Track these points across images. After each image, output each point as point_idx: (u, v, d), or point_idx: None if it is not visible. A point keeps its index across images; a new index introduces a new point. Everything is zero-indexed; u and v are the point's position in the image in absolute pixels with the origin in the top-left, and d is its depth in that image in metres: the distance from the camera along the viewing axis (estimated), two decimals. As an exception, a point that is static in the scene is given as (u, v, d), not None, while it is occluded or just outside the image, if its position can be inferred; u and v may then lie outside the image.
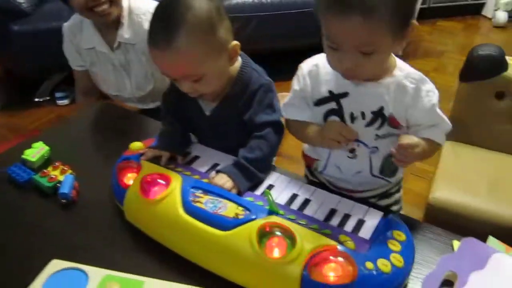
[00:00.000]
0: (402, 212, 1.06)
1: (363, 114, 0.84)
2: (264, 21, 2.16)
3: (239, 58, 0.96)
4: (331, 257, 0.67)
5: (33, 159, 1.01)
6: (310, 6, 2.14)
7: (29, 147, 1.04)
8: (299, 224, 0.73)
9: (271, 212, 0.75)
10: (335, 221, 0.77)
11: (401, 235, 0.73)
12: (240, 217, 0.73)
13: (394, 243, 0.71)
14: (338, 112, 0.86)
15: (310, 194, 0.84)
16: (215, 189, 0.81)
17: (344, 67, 0.76)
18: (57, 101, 2.34)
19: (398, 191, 1.02)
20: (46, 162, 1.03)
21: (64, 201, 0.91)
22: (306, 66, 0.90)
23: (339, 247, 0.69)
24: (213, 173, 0.87)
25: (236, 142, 0.94)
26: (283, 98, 0.98)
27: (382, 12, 0.67)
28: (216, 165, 0.92)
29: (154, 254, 0.79)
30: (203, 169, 0.90)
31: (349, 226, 0.76)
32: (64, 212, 0.91)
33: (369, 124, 0.84)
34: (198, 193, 0.79)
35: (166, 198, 0.78)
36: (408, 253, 0.72)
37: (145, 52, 1.37)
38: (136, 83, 1.45)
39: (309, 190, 0.85)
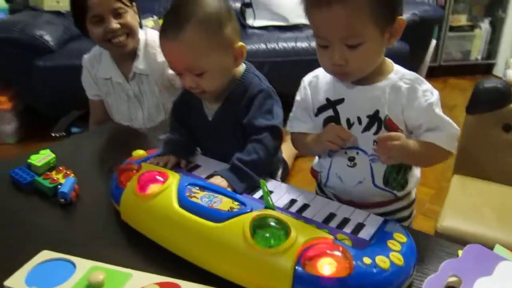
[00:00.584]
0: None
1: (359, 119, 0.84)
2: (276, 67, 2.24)
3: (243, 64, 0.99)
4: (326, 250, 0.64)
5: (38, 164, 1.02)
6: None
7: (37, 153, 1.06)
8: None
9: (267, 207, 0.73)
10: (333, 223, 0.75)
11: (402, 237, 0.71)
12: (235, 210, 0.72)
13: (394, 243, 0.68)
14: (335, 119, 0.86)
15: (310, 200, 0.82)
16: (212, 186, 0.80)
17: (332, 61, 0.77)
18: (73, 137, 2.40)
19: (408, 208, 0.97)
20: (51, 169, 1.04)
21: (62, 200, 0.92)
22: (307, 78, 0.93)
23: (336, 241, 0.66)
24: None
25: (238, 148, 0.94)
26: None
27: (361, 2, 0.70)
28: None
29: (146, 252, 0.78)
30: (203, 175, 0.90)
31: (348, 228, 0.74)
32: (62, 211, 0.91)
33: (366, 129, 0.84)
34: (195, 189, 0.79)
35: (162, 193, 0.78)
36: (409, 254, 0.69)
37: (158, 83, 1.43)
38: (148, 113, 1.49)
39: (309, 196, 0.84)
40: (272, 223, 0.67)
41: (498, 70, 3.30)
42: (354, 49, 0.75)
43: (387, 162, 0.84)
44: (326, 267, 0.62)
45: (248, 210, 0.72)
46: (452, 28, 3.19)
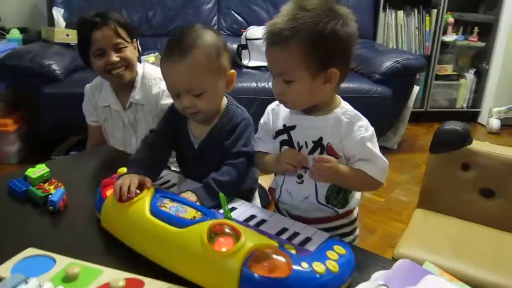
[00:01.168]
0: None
1: (306, 144, 0.98)
2: (265, 103, 2.38)
3: (225, 98, 1.13)
4: (270, 255, 0.73)
5: (33, 176, 1.13)
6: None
7: (34, 167, 1.17)
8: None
9: (225, 218, 0.84)
10: (285, 236, 0.85)
11: (341, 249, 0.80)
12: (197, 218, 0.83)
13: (332, 254, 0.78)
14: (289, 142, 1.00)
15: (268, 216, 0.94)
16: (181, 199, 0.92)
17: (275, 91, 0.94)
18: (71, 161, 2.51)
19: (349, 225, 1.07)
20: (44, 181, 1.15)
21: (51, 208, 1.02)
22: (271, 105, 1.08)
23: (280, 248, 0.76)
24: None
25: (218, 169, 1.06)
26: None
27: (294, 48, 0.86)
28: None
29: (119, 254, 0.87)
30: (177, 191, 1.01)
31: (297, 240, 0.84)
32: (50, 217, 1.01)
33: (311, 152, 0.97)
34: (166, 200, 0.90)
35: (137, 203, 0.89)
36: (345, 264, 0.78)
37: (152, 113, 1.57)
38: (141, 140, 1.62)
39: (268, 213, 0.95)
40: (227, 230, 0.77)
41: (482, 118, 3.44)
42: (288, 84, 0.91)
43: (319, 180, 0.96)
44: (268, 268, 0.72)
45: (208, 219, 0.82)
46: (439, 77, 3.37)
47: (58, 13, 2.75)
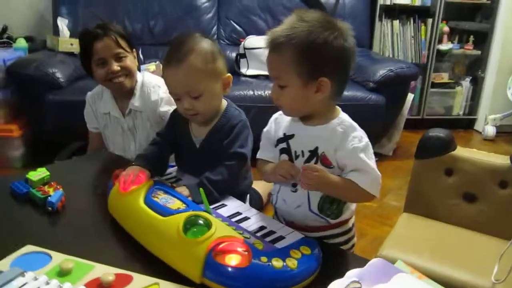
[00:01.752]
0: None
1: (302, 153, 1.01)
2: (262, 111, 2.43)
3: (224, 101, 1.20)
4: (234, 246, 0.80)
5: (34, 179, 1.20)
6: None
7: (35, 171, 1.24)
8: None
9: (205, 211, 0.92)
10: (259, 233, 0.92)
11: (307, 250, 0.86)
12: (180, 209, 0.91)
13: (296, 252, 0.84)
14: (287, 151, 1.03)
15: (252, 214, 1.00)
16: (173, 192, 1.00)
17: (271, 95, 0.99)
18: (73, 165, 2.58)
19: (343, 235, 1.09)
20: (44, 184, 1.22)
21: (50, 208, 1.08)
22: (274, 115, 1.11)
23: (245, 241, 0.83)
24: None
25: None
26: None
27: (287, 54, 0.92)
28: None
29: (110, 251, 0.94)
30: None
31: (269, 238, 0.90)
32: (49, 217, 1.08)
33: (307, 161, 1.00)
34: (160, 192, 0.99)
35: (135, 192, 0.98)
36: (306, 263, 0.83)
37: (150, 119, 1.64)
38: (139, 145, 1.67)
39: (252, 212, 1.02)
40: (200, 221, 0.85)
41: (479, 125, 3.49)
42: (282, 89, 0.96)
43: (307, 189, 0.97)
44: (229, 258, 0.78)
45: (188, 210, 0.90)
46: (435, 85, 3.42)
47: (63, 23, 2.83)
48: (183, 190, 1.03)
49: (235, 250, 0.80)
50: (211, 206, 0.99)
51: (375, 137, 2.55)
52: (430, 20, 3.31)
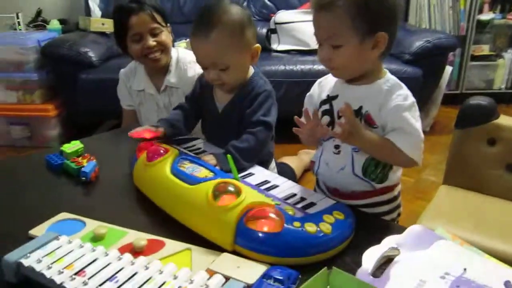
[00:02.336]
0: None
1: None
2: (293, 86, 2.40)
3: (252, 68, 1.18)
4: (266, 212, 0.78)
5: (68, 151, 1.22)
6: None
7: (69, 143, 1.26)
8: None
9: (233, 178, 0.90)
10: (290, 200, 0.89)
11: (340, 215, 0.83)
12: (207, 177, 0.89)
13: (329, 217, 0.81)
14: (330, 112, 1.00)
15: (281, 183, 0.98)
16: (200, 161, 0.98)
17: (321, 58, 0.94)
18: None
19: (388, 203, 1.05)
20: (78, 156, 1.23)
21: (84, 179, 1.10)
22: (319, 79, 1.08)
23: (276, 207, 0.81)
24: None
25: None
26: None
27: (343, 10, 0.86)
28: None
29: (143, 218, 0.95)
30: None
31: (301, 204, 0.88)
32: (82, 187, 1.09)
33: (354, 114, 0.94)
34: (186, 162, 0.97)
35: (161, 162, 0.97)
36: (341, 227, 0.80)
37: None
38: None
39: (281, 180, 0.99)
40: (230, 188, 0.82)
41: (522, 100, 3.32)
42: (337, 49, 0.90)
43: (341, 137, 0.91)
44: (261, 224, 0.76)
45: (216, 178, 0.88)
46: (474, 57, 3.27)
47: (94, 4, 2.86)
48: (210, 159, 1.02)
49: (267, 215, 0.78)
50: (239, 175, 0.97)
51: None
52: (470, -11, 3.14)
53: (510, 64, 3.31)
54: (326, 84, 1.04)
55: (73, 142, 1.26)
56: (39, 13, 3.10)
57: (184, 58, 1.63)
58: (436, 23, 3.20)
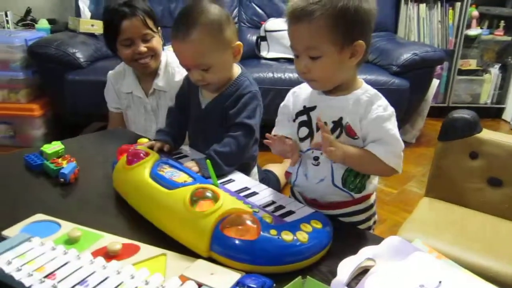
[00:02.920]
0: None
1: (325, 124, 0.95)
2: (280, 94, 2.40)
3: (239, 68, 1.18)
4: (243, 219, 0.77)
5: (49, 152, 1.20)
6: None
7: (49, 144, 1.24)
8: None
9: (212, 184, 0.89)
10: (269, 208, 0.89)
11: (318, 223, 0.82)
12: (186, 182, 0.88)
13: (306, 226, 0.81)
14: (308, 123, 0.99)
15: (261, 190, 0.97)
16: (179, 165, 0.97)
17: (299, 69, 0.93)
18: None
19: (364, 211, 1.05)
20: (59, 157, 1.22)
21: (62, 180, 1.08)
22: (293, 88, 1.07)
23: (254, 214, 0.80)
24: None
25: (219, 138, 1.11)
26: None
27: (321, 20, 0.85)
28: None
29: (118, 222, 0.94)
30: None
31: (279, 212, 0.87)
32: (61, 188, 1.08)
33: (331, 132, 0.94)
34: (166, 166, 0.96)
35: (140, 166, 0.96)
36: (317, 237, 0.80)
37: (173, 99, 1.61)
38: (161, 126, 1.66)
39: (261, 187, 0.99)
40: (208, 194, 0.81)
41: (507, 115, 3.36)
42: (315, 61, 0.89)
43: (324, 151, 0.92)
44: (237, 231, 0.76)
45: (195, 184, 0.87)
46: (462, 72, 3.31)
47: (84, 4, 2.84)
48: (193, 166, 1.01)
49: (244, 223, 0.77)
50: (219, 181, 0.97)
51: (398, 123, 2.48)
52: (458, 4, 3.19)
53: (497, 79, 3.36)
54: (301, 94, 1.03)
55: (54, 142, 1.24)
56: (28, 12, 3.07)
57: (173, 62, 1.63)
58: (425, 36, 3.24)
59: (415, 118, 2.77)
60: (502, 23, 3.28)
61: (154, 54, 1.57)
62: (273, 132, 1.07)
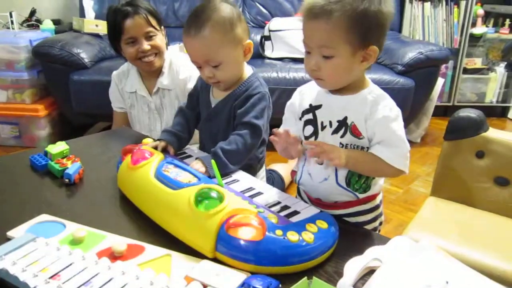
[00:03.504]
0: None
1: (330, 123, 0.95)
2: (285, 94, 2.40)
3: (251, 69, 1.19)
4: (248, 220, 0.77)
5: (53, 152, 1.20)
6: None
7: (54, 144, 1.24)
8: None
9: (217, 184, 0.88)
10: (274, 208, 0.88)
11: (323, 224, 0.82)
12: (191, 183, 0.88)
13: (312, 226, 0.80)
14: (313, 121, 0.98)
15: (266, 190, 0.97)
16: (184, 165, 0.97)
17: (309, 66, 0.91)
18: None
19: (370, 212, 1.04)
20: (63, 157, 1.22)
21: (67, 180, 1.08)
22: (300, 87, 1.06)
23: (259, 214, 0.79)
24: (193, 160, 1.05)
25: (226, 137, 1.11)
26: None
27: (340, 20, 0.84)
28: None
29: (123, 223, 0.93)
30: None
31: (284, 213, 0.87)
32: (66, 188, 1.08)
33: (335, 131, 0.94)
34: (171, 166, 0.95)
35: (145, 165, 0.96)
36: (323, 237, 0.79)
37: (179, 97, 1.61)
38: (166, 125, 1.66)
39: (266, 188, 0.98)
40: (213, 194, 0.81)
41: (512, 114, 3.34)
42: (327, 60, 0.88)
43: (315, 156, 0.92)
44: (243, 231, 0.75)
45: (200, 184, 0.87)
46: (467, 70, 3.29)
47: (88, 5, 2.85)
48: (200, 167, 1.01)
49: (249, 223, 0.76)
50: (224, 181, 0.96)
51: (403, 122, 2.47)
52: (463, 3, 3.16)
53: (502, 78, 3.34)
54: (307, 92, 1.02)
55: (58, 142, 1.24)
56: (33, 12, 3.08)
57: (177, 61, 1.63)
58: (430, 35, 3.22)
59: (420, 117, 2.76)
60: (507, 22, 3.26)
61: (158, 52, 1.57)
62: (280, 130, 1.07)
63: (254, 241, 0.74)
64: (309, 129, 0.99)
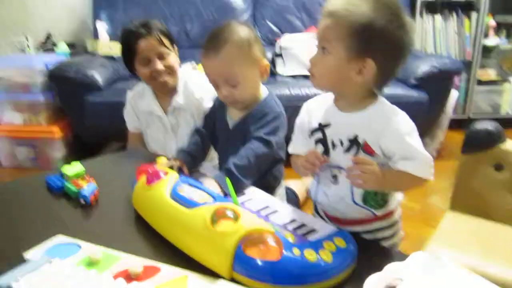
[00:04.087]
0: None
1: (341, 142, 0.94)
2: (298, 111, 2.40)
3: (266, 90, 1.20)
4: (265, 238, 0.75)
5: (69, 174, 1.21)
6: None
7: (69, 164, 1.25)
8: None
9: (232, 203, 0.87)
10: (290, 226, 0.87)
11: (341, 242, 0.80)
12: (207, 202, 0.87)
13: (330, 244, 0.78)
14: (323, 140, 0.97)
15: (281, 208, 0.96)
16: (199, 184, 0.96)
17: (310, 59, 0.93)
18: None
19: (389, 228, 1.03)
20: (79, 178, 1.22)
21: (83, 201, 1.09)
22: (306, 103, 1.06)
23: (276, 233, 0.78)
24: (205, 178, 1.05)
25: None
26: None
27: (343, 25, 0.86)
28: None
29: (138, 243, 0.93)
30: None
31: (301, 231, 0.86)
32: (82, 210, 1.08)
33: (347, 150, 0.93)
34: (185, 185, 0.95)
35: (160, 185, 0.95)
36: (342, 255, 0.77)
37: (194, 116, 1.63)
38: (181, 144, 1.67)
39: (281, 206, 0.97)
40: (229, 213, 0.80)
41: (530, 125, 3.28)
42: (323, 56, 0.90)
43: (360, 186, 0.91)
44: (260, 251, 0.74)
45: (215, 203, 0.86)
46: (480, 83, 3.26)
47: (102, 27, 2.91)
48: (214, 187, 1.00)
49: (266, 242, 0.75)
50: (239, 199, 0.95)
51: (417, 136, 2.45)
52: (474, 14, 3.15)
53: (517, 89, 3.30)
54: (315, 110, 1.01)
55: (73, 163, 1.25)
56: (48, 37, 3.15)
57: (191, 79, 1.65)
58: (441, 47, 3.21)
59: (435, 131, 2.72)
60: (520, 32, 3.24)
61: (171, 71, 1.59)
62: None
63: (272, 261, 0.73)
64: (320, 148, 0.98)
